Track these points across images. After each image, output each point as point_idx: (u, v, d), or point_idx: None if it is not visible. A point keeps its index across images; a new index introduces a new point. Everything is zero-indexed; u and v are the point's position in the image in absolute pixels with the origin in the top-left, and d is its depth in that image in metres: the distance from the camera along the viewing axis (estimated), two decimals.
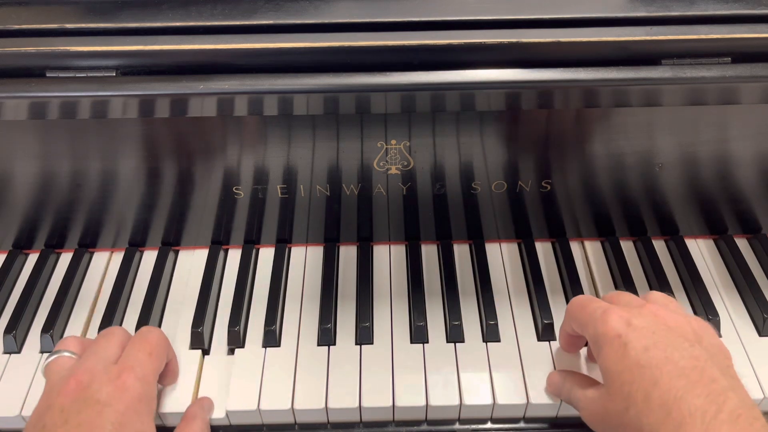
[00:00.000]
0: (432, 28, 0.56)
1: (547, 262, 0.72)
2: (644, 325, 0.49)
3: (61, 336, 0.65)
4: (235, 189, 0.67)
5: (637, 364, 0.47)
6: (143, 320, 0.64)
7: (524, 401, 0.58)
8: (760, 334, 0.64)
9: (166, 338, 0.57)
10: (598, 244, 0.74)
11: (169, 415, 0.59)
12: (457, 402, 0.58)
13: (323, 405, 0.58)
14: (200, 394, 0.60)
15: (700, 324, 0.51)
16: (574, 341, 0.59)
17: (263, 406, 0.58)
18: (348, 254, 0.72)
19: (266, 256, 0.72)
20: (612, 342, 0.49)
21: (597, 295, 0.68)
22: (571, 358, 0.61)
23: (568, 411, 0.58)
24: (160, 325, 0.66)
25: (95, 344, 0.54)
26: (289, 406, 0.58)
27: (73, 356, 0.54)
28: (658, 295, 0.55)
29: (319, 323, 0.64)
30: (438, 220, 0.71)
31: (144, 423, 0.50)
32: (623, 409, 0.47)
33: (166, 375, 0.58)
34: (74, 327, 0.66)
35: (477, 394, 0.59)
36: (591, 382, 0.54)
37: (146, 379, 0.52)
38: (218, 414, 0.58)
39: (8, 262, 0.72)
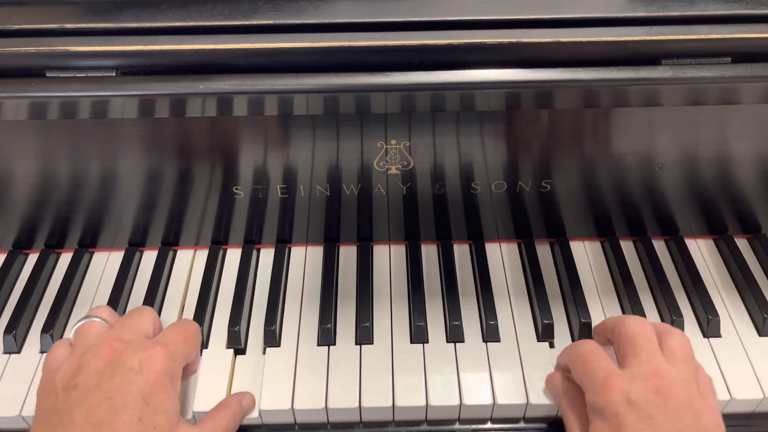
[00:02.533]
0: (432, 28, 0.56)
1: (547, 262, 0.72)
2: (643, 404, 0.48)
3: (62, 336, 0.65)
4: (235, 189, 0.67)
5: None
6: None
7: (524, 401, 0.58)
8: (760, 334, 0.64)
9: (200, 333, 0.58)
10: (598, 244, 0.74)
11: None
12: (457, 402, 0.58)
13: (323, 405, 0.58)
14: (198, 393, 0.60)
15: (704, 397, 0.50)
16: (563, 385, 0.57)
17: (263, 406, 0.58)
18: (348, 254, 0.72)
19: (266, 256, 0.72)
20: (608, 420, 0.49)
21: (598, 294, 0.68)
22: None
23: None
24: None
25: (128, 318, 0.54)
26: (289, 406, 0.58)
27: (104, 323, 0.54)
28: (677, 345, 0.53)
29: (319, 323, 0.64)
30: (438, 220, 0.71)
31: (170, 398, 0.51)
32: None
33: (184, 372, 0.58)
34: None
35: (477, 394, 0.59)
36: (583, 418, 0.53)
37: (176, 358, 0.53)
38: None
39: (8, 262, 0.72)
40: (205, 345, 0.64)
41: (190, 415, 0.58)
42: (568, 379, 0.57)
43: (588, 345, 0.55)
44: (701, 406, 0.50)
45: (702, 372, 0.54)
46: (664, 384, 0.49)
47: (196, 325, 0.59)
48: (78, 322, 0.55)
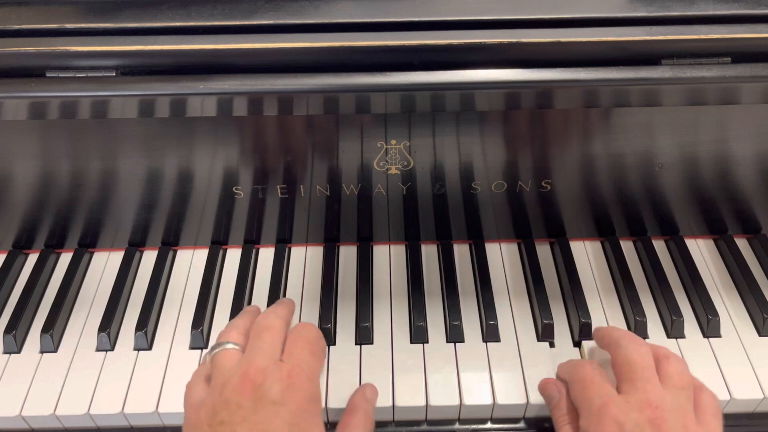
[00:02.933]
0: (432, 28, 0.56)
1: (547, 262, 0.72)
2: None
3: (61, 336, 0.65)
4: (235, 189, 0.67)
5: None
6: (143, 320, 0.64)
7: (524, 401, 0.58)
8: (760, 334, 0.64)
9: (323, 337, 0.57)
10: (598, 244, 0.74)
11: None
12: (457, 402, 0.58)
13: (323, 405, 0.58)
14: None
15: (704, 425, 0.50)
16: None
17: None
18: (348, 254, 0.72)
19: (266, 256, 0.72)
20: None
21: (598, 294, 0.68)
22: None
23: None
24: (157, 325, 0.66)
25: (259, 339, 0.53)
26: None
27: (237, 348, 0.53)
28: (674, 372, 0.52)
29: (318, 323, 0.64)
30: (438, 220, 0.71)
31: (315, 424, 0.51)
32: None
33: None
34: (74, 327, 0.66)
35: (477, 394, 0.59)
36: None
37: (314, 379, 0.53)
38: None
39: (8, 262, 0.72)
40: (205, 345, 0.64)
41: None
42: (561, 391, 0.57)
43: (588, 368, 0.55)
44: (697, 430, 0.49)
45: (705, 393, 0.53)
46: (658, 415, 0.49)
47: (316, 330, 0.57)
48: (212, 350, 0.54)
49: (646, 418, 0.49)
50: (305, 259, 0.72)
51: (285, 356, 0.53)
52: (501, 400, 0.58)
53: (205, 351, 0.63)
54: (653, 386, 0.51)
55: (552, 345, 0.63)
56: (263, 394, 0.49)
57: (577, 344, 0.63)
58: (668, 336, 0.64)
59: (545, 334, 0.63)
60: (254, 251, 0.73)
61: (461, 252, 0.72)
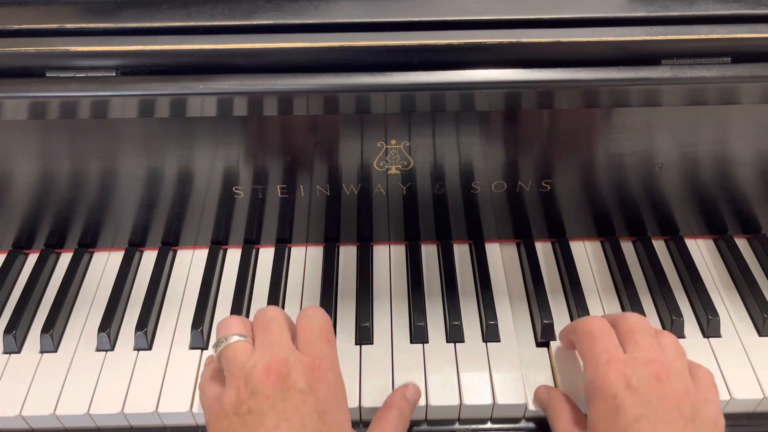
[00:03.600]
0: (432, 28, 0.56)
1: (547, 262, 0.72)
2: (643, 389, 0.49)
3: (61, 336, 0.65)
4: (235, 189, 0.67)
5: None
6: (143, 320, 0.64)
7: (524, 401, 0.58)
8: (760, 334, 0.64)
9: (329, 319, 0.56)
10: (598, 244, 0.74)
11: None
12: (457, 402, 0.58)
13: None
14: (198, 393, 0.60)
15: (702, 392, 0.51)
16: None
17: None
18: (348, 254, 0.72)
19: (266, 256, 0.72)
20: (606, 400, 0.49)
21: (598, 294, 0.68)
22: (570, 360, 0.61)
23: None
24: (157, 325, 0.66)
25: (267, 331, 0.53)
26: None
27: (244, 339, 0.53)
28: (668, 342, 0.54)
29: None
30: (438, 220, 0.71)
31: (342, 411, 0.51)
32: None
33: None
34: (74, 327, 0.66)
35: (477, 394, 0.59)
36: (574, 419, 0.54)
37: (335, 368, 0.53)
38: None
39: (8, 262, 0.72)
40: (205, 345, 0.64)
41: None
42: (549, 392, 0.57)
43: (597, 322, 0.55)
44: (698, 398, 0.50)
45: (701, 367, 0.54)
46: (664, 371, 0.50)
47: (325, 314, 0.56)
48: (218, 345, 0.53)
49: (652, 372, 0.50)
50: (305, 259, 0.72)
51: (302, 346, 0.53)
52: (501, 400, 0.58)
53: (206, 352, 0.63)
54: (656, 348, 0.52)
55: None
56: (290, 385, 0.49)
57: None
58: None
59: (545, 334, 0.63)
60: (254, 251, 0.73)
61: (461, 252, 0.72)
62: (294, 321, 0.56)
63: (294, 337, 0.54)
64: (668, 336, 0.54)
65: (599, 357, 0.52)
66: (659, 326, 0.65)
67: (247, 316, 0.67)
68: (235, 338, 0.52)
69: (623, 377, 0.49)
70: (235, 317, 0.55)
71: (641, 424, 0.47)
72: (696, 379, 0.52)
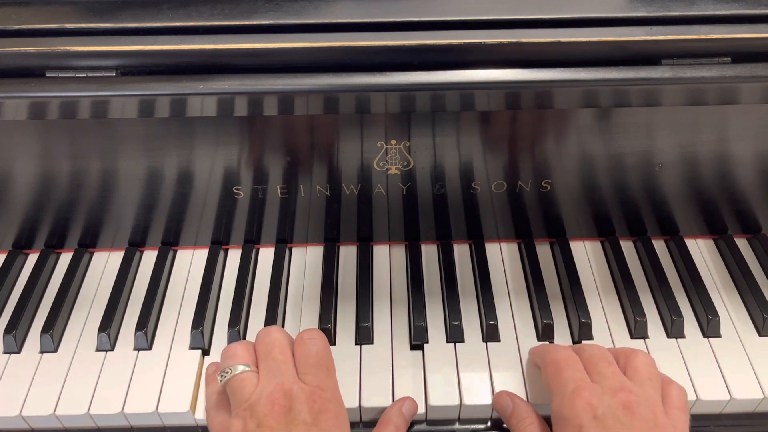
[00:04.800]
0: (432, 28, 0.56)
1: (547, 262, 0.72)
2: (610, 420, 0.48)
3: (61, 336, 0.65)
4: (235, 189, 0.67)
5: None
6: (143, 320, 0.64)
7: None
8: (760, 334, 0.64)
9: (327, 343, 0.57)
10: (598, 244, 0.74)
11: None
12: (457, 402, 0.58)
13: None
14: (200, 395, 0.60)
15: (672, 419, 0.51)
16: None
17: None
18: (348, 254, 0.72)
19: (266, 256, 0.72)
20: (573, 429, 0.49)
21: (598, 294, 0.68)
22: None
23: None
24: (157, 325, 0.66)
25: (271, 359, 0.54)
26: None
27: (249, 369, 0.53)
28: (640, 364, 0.53)
29: (319, 323, 0.65)
30: (438, 220, 0.71)
31: None
32: None
33: None
34: (74, 327, 0.66)
35: (477, 394, 0.59)
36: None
37: (336, 397, 0.54)
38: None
39: (8, 262, 0.72)
40: (205, 345, 0.64)
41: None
42: (514, 400, 0.57)
43: (563, 352, 0.55)
44: (666, 423, 0.50)
45: (674, 386, 0.54)
46: (633, 399, 0.50)
47: (324, 340, 0.57)
48: (224, 375, 0.53)
49: (619, 401, 0.49)
50: (305, 259, 0.72)
51: (302, 375, 0.53)
52: None
53: (207, 357, 0.64)
54: (621, 376, 0.52)
55: None
56: (294, 416, 0.50)
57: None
58: (668, 336, 0.64)
59: (545, 334, 0.63)
60: (254, 251, 0.73)
61: (461, 252, 0.72)
62: (294, 323, 0.56)
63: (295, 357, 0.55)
64: (639, 358, 0.54)
65: (566, 386, 0.52)
66: (660, 328, 0.65)
67: (247, 316, 0.67)
68: (240, 368, 0.53)
69: (590, 407, 0.49)
70: (240, 344, 0.56)
71: None
72: (667, 399, 0.52)
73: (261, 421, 0.49)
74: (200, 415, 0.59)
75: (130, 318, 0.66)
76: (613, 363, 0.54)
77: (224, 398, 0.55)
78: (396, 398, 0.58)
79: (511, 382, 0.60)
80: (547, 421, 0.55)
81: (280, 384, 0.51)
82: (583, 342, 0.61)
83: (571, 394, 0.51)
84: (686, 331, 0.64)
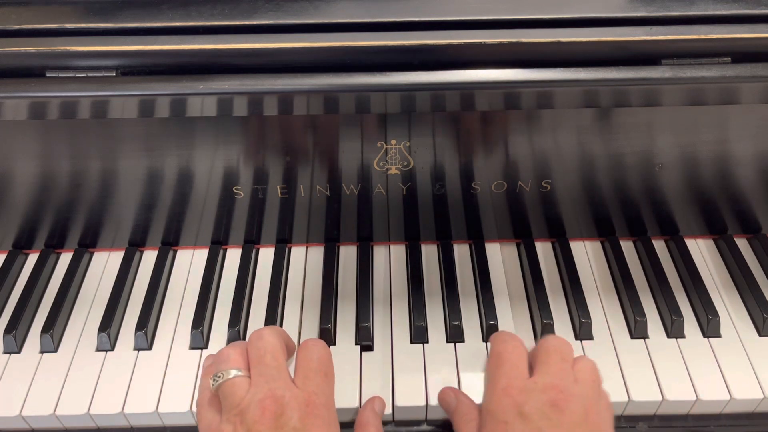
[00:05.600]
0: (432, 28, 0.56)
1: (547, 262, 0.72)
2: (535, 416, 0.49)
3: (61, 336, 0.65)
4: (235, 189, 0.67)
5: None
6: (143, 320, 0.64)
7: None
8: (760, 334, 0.64)
9: (329, 351, 0.57)
10: (598, 244, 0.74)
11: None
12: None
13: None
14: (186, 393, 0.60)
15: (600, 416, 0.51)
16: None
17: None
18: (348, 254, 0.72)
19: (266, 256, 0.72)
20: (497, 426, 0.50)
21: (598, 294, 0.68)
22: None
23: None
24: (157, 325, 0.66)
25: (263, 364, 0.53)
26: None
27: (241, 374, 0.53)
28: (586, 368, 0.53)
29: (319, 323, 0.65)
30: (438, 220, 0.71)
31: None
32: None
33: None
34: (74, 327, 0.66)
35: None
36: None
37: (330, 404, 0.53)
38: None
39: (8, 262, 0.72)
40: (205, 345, 0.64)
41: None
42: (458, 397, 0.57)
43: (509, 345, 0.55)
44: (598, 421, 0.50)
45: (606, 400, 0.54)
46: (562, 398, 0.50)
47: (326, 349, 0.57)
48: (215, 379, 0.53)
49: (548, 399, 0.50)
50: (305, 259, 0.72)
51: (299, 379, 0.53)
52: None
53: (206, 352, 0.63)
54: (564, 372, 0.52)
55: None
56: (284, 422, 0.49)
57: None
58: (668, 336, 0.64)
59: (545, 333, 0.63)
60: (254, 251, 0.73)
61: (461, 252, 0.72)
62: (289, 322, 0.56)
63: (290, 361, 0.55)
64: (584, 361, 0.54)
65: (498, 381, 0.52)
66: (660, 328, 0.65)
67: (247, 317, 0.67)
68: (233, 373, 0.53)
69: (516, 405, 0.50)
70: (233, 348, 0.56)
71: None
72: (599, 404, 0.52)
73: (251, 428, 0.49)
74: None
75: (130, 318, 0.66)
76: (567, 360, 0.54)
77: (216, 397, 0.55)
78: (396, 398, 0.58)
79: None
80: None
81: (272, 390, 0.51)
82: (579, 340, 0.61)
83: (501, 391, 0.51)
84: (686, 331, 0.64)
